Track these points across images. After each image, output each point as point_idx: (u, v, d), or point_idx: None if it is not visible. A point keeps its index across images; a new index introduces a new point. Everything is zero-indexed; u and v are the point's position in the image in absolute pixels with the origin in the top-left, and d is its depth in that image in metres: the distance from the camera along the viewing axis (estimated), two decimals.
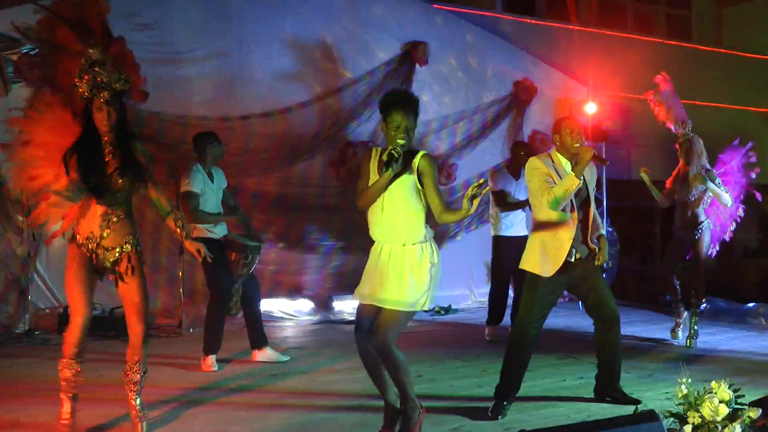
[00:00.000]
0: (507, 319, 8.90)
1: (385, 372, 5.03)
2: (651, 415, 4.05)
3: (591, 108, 12.36)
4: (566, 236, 5.75)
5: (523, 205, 8.62)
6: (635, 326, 9.43)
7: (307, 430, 5.42)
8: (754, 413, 4.32)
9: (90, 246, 5.12)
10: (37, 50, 7.09)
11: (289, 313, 10.61)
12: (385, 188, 4.86)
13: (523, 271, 5.95)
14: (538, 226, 5.87)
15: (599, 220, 6.13)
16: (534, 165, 5.84)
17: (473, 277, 11.70)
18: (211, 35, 10.12)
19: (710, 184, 8.22)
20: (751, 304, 10.77)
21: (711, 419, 4.25)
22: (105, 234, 5.11)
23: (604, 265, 6.11)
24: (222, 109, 10.09)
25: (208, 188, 7.32)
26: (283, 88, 10.60)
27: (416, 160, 4.91)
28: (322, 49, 10.96)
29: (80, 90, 5.02)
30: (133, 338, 5.25)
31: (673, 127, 8.76)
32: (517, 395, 5.93)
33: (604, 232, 6.11)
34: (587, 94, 12.89)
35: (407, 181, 4.88)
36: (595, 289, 6.00)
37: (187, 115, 9.73)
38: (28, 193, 5.32)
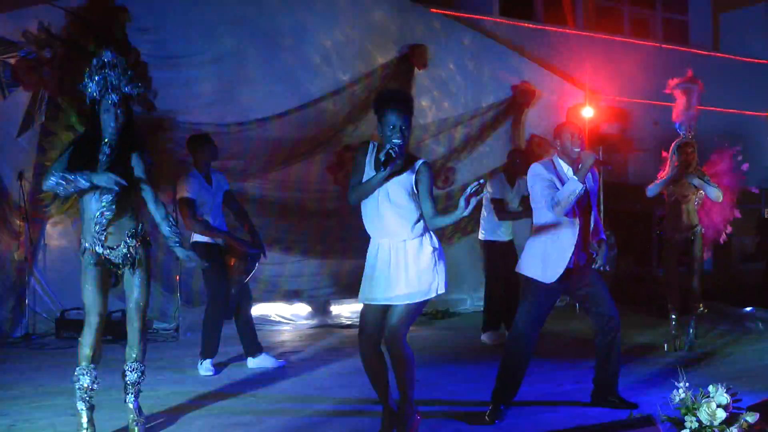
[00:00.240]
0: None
1: (385, 377, 5.03)
2: (648, 420, 4.05)
3: (588, 112, 12.38)
4: (568, 242, 5.75)
5: (521, 216, 8.65)
6: (632, 330, 9.41)
7: None
8: (752, 417, 4.32)
9: (97, 249, 5.11)
10: (37, 52, 7.14)
11: (286, 317, 10.62)
12: (381, 186, 4.86)
13: (517, 276, 5.96)
14: (540, 231, 5.87)
15: (600, 225, 6.13)
16: (536, 171, 5.84)
17: (470, 282, 11.68)
18: (210, 39, 10.11)
19: (697, 180, 8.22)
20: (748, 308, 10.77)
21: (708, 423, 4.25)
22: (103, 236, 5.09)
23: (604, 268, 6.11)
24: (220, 113, 10.09)
25: (205, 192, 7.30)
26: (281, 92, 10.60)
27: (415, 167, 4.91)
28: (321, 54, 10.96)
29: (89, 89, 5.04)
30: (130, 335, 5.27)
31: (679, 124, 8.70)
32: (515, 400, 5.92)
33: (603, 236, 6.11)
34: (584, 98, 12.91)
35: (407, 180, 4.89)
36: (594, 294, 6.00)
37: (184, 121, 9.73)
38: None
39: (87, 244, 5.12)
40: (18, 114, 8.88)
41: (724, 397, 4.33)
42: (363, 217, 5.01)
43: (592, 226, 5.96)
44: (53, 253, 9.27)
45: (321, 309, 10.81)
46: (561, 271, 5.74)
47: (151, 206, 5.24)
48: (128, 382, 5.28)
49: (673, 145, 8.50)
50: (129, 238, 5.16)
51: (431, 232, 4.99)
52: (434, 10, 12.14)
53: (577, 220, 5.78)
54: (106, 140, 5.10)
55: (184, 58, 9.85)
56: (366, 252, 5.06)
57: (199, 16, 10.08)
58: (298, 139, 10.69)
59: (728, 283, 12.62)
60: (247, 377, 7.18)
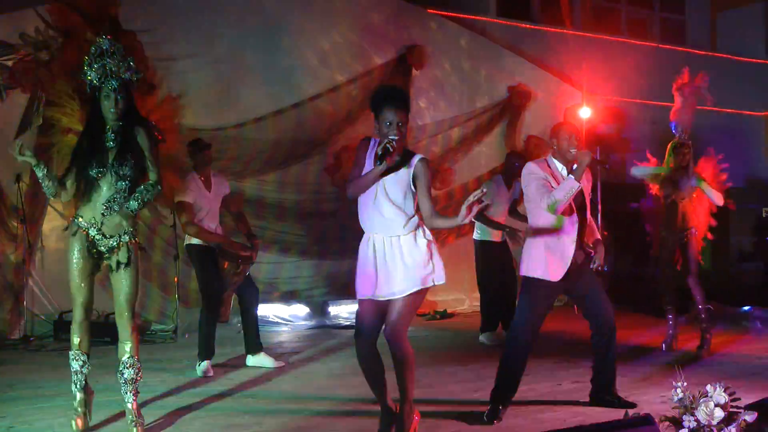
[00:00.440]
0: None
1: (382, 377, 5.03)
2: (646, 419, 4.05)
3: (585, 112, 12.39)
4: (569, 239, 5.77)
5: (499, 227, 8.67)
6: (630, 330, 9.42)
7: None
8: (750, 417, 4.32)
9: (90, 231, 5.17)
10: (34, 54, 7.14)
11: (284, 318, 10.61)
12: (378, 180, 4.86)
13: (512, 276, 5.97)
14: (539, 231, 5.86)
15: (594, 225, 6.13)
16: (531, 170, 5.85)
17: (468, 282, 11.66)
18: (208, 41, 10.12)
19: (704, 185, 8.22)
20: (746, 308, 10.78)
21: (706, 423, 4.25)
22: (105, 221, 5.15)
23: (602, 268, 6.11)
24: (217, 115, 10.10)
25: (203, 197, 7.31)
26: (279, 94, 10.61)
27: (413, 162, 4.91)
28: (318, 56, 10.96)
29: (89, 78, 5.08)
30: (120, 329, 5.30)
31: (674, 124, 8.70)
32: (513, 399, 5.92)
33: (599, 236, 6.12)
34: (582, 99, 12.92)
35: (403, 176, 4.88)
36: (591, 293, 6.01)
37: (182, 123, 9.72)
38: None
39: (83, 223, 5.18)
40: (15, 116, 8.88)
41: (722, 397, 4.33)
42: (359, 212, 5.01)
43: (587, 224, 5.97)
44: (51, 255, 9.26)
45: (319, 310, 10.80)
46: (566, 268, 5.75)
47: (150, 175, 5.25)
48: (125, 380, 5.28)
49: (669, 146, 8.50)
50: (124, 233, 5.20)
51: (424, 226, 4.99)
52: (431, 11, 12.15)
53: (575, 218, 5.79)
54: (108, 127, 5.16)
55: (181, 60, 9.84)
56: None
57: (197, 18, 10.10)
58: (295, 140, 10.70)
59: (726, 283, 12.63)
60: (246, 378, 7.17)
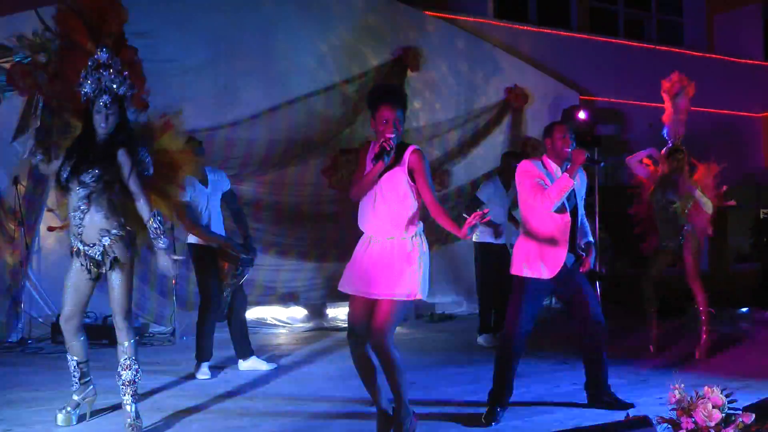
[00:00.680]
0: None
1: (378, 379, 5.02)
2: (644, 421, 4.05)
3: (583, 114, 12.38)
4: (562, 238, 5.77)
5: (496, 230, 8.68)
6: (628, 331, 9.42)
7: None
8: (748, 418, 4.32)
9: (77, 246, 5.29)
10: (32, 57, 7.14)
11: (282, 320, 10.62)
12: (377, 181, 4.86)
13: (508, 277, 5.97)
14: (532, 230, 5.87)
15: (587, 227, 6.13)
16: (525, 168, 5.86)
17: (466, 284, 11.67)
18: (205, 44, 10.11)
19: (698, 193, 8.23)
20: (743, 309, 10.79)
21: (704, 424, 4.25)
22: (80, 231, 5.24)
23: (600, 270, 6.11)
24: (214, 117, 10.09)
25: (199, 194, 7.30)
26: (276, 95, 10.60)
27: (406, 155, 4.91)
28: (315, 57, 10.96)
29: (84, 89, 5.14)
30: (117, 331, 5.34)
31: (666, 130, 8.71)
32: (511, 401, 5.92)
33: (591, 239, 6.10)
34: (579, 100, 12.93)
35: (397, 174, 4.88)
36: (579, 294, 6.01)
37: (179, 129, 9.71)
38: None
39: (71, 239, 5.30)
40: (13, 119, 8.87)
41: (720, 398, 4.33)
42: (358, 212, 5.01)
43: (578, 226, 5.97)
44: (49, 258, 9.26)
45: (317, 312, 10.80)
46: (560, 266, 5.76)
47: (138, 204, 5.28)
48: (123, 382, 5.29)
49: (664, 150, 8.50)
50: (103, 237, 5.24)
51: (422, 236, 4.98)
52: (428, 13, 12.14)
53: (567, 218, 5.79)
54: (96, 139, 5.24)
55: (179, 62, 9.84)
56: None
57: (195, 20, 10.08)
58: (291, 141, 10.69)
59: (724, 284, 12.63)
60: (244, 380, 7.17)
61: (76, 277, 5.36)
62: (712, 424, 4.24)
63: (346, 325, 10.09)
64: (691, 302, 8.53)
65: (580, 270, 5.97)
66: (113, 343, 8.32)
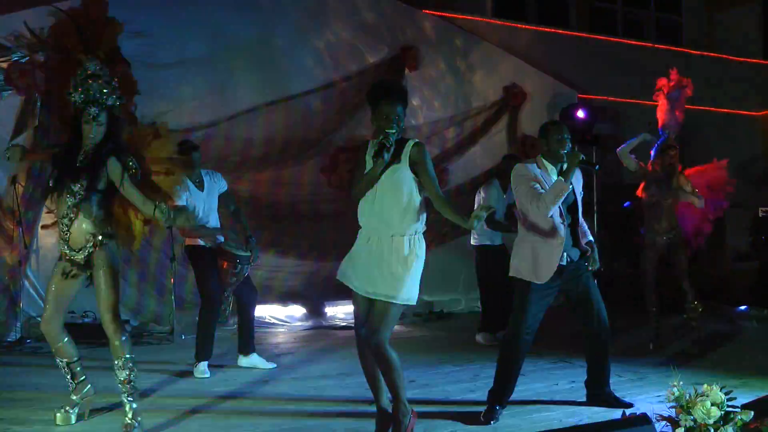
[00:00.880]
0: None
1: (377, 378, 5.03)
2: (643, 419, 4.06)
3: (581, 112, 12.38)
4: (557, 242, 5.76)
5: (510, 229, 8.68)
6: (626, 330, 9.42)
7: None
8: (746, 416, 4.32)
9: (63, 250, 5.34)
10: (30, 56, 7.16)
11: (280, 318, 10.61)
12: (377, 178, 4.85)
13: (510, 279, 5.96)
14: (528, 233, 5.86)
15: (585, 226, 6.11)
16: (520, 171, 5.84)
17: (464, 283, 11.67)
18: (202, 42, 10.10)
19: (690, 188, 8.26)
20: (742, 307, 10.79)
21: (703, 422, 4.25)
22: (67, 236, 5.29)
23: (598, 269, 6.10)
24: (211, 114, 10.09)
25: (195, 197, 7.29)
26: (273, 93, 10.59)
27: (407, 150, 4.90)
28: (313, 56, 10.95)
29: (73, 98, 5.18)
30: (108, 335, 5.36)
31: (662, 128, 8.72)
32: (510, 399, 5.93)
33: (591, 238, 6.09)
34: (577, 99, 12.92)
35: (397, 171, 4.87)
36: (585, 293, 6.00)
37: (176, 127, 9.70)
38: None
39: (59, 243, 5.36)
40: (11, 117, 8.87)
41: (718, 396, 4.34)
42: (358, 211, 5.00)
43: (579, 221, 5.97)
44: (47, 257, 9.23)
45: (315, 311, 10.79)
46: (552, 271, 5.75)
47: (139, 206, 5.26)
48: (121, 381, 5.30)
49: (655, 147, 8.52)
50: (89, 243, 5.28)
51: (421, 238, 4.98)
52: (426, 11, 12.13)
53: (564, 220, 5.78)
54: (84, 148, 5.28)
55: (176, 59, 9.83)
56: None
57: (192, 18, 10.06)
58: (288, 138, 10.68)
59: (722, 283, 12.63)
60: (243, 379, 7.17)
61: (59, 279, 5.40)
62: (711, 421, 4.25)
63: (344, 324, 10.19)
64: (684, 299, 8.52)
65: (589, 268, 5.96)
66: None
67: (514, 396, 5.97)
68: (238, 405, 6.24)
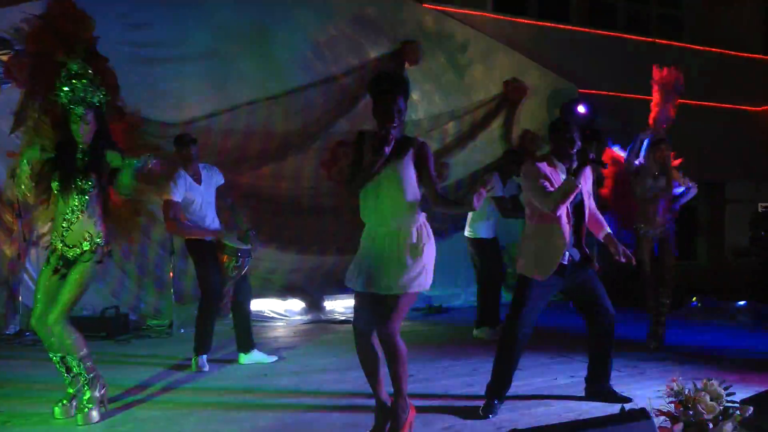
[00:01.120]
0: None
1: (381, 371, 5.02)
2: (642, 414, 4.05)
3: (582, 107, 12.37)
4: (561, 242, 5.76)
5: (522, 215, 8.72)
6: (625, 325, 9.41)
7: (298, 430, 5.41)
8: (745, 411, 4.32)
9: (57, 245, 5.40)
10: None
11: (280, 312, 10.62)
12: (377, 172, 4.84)
13: (503, 270, 5.97)
14: (533, 230, 5.86)
15: (602, 220, 6.11)
16: (531, 169, 5.83)
17: (464, 277, 11.67)
18: (203, 35, 10.08)
19: (689, 182, 8.31)
20: (741, 302, 10.79)
21: (702, 417, 4.25)
22: (65, 233, 5.35)
23: (629, 259, 6.08)
24: (211, 107, 10.09)
25: (193, 192, 7.29)
26: (273, 87, 10.58)
27: (411, 148, 4.89)
28: (313, 49, 10.94)
29: (60, 99, 5.23)
30: (53, 332, 5.42)
31: (654, 121, 8.72)
32: (509, 394, 5.93)
33: (609, 230, 6.09)
34: (578, 93, 12.90)
35: (401, 167, 4.85)
36: (590, 290, 6.01)
37: (176, 120, 9.70)
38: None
39: (53, 238, 5.42)
40: (10, 111, 8.84)
41: (718, 391, 4.33)
42: (360, 206, 4.99)
43: (586, 220, 5.96)
44: (46, 250, 9.23)
45: (315, 305, 10.80)
46: (554, 268, 5.75)
47: (129, 181, 5.42)
48: (76, 373, 5.46)
49: (646, 141, 8.52)
50: (85, 241, 5.35)
51: (427, 225, 4.98)
52: (427, 6, 12.11)
53: (571, 218, 5.78)
54: (79, 147, 5.37)
55: (176, 52, 9.82)
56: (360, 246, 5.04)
57: (192, 11, 10.05)
58: (289, 132, 10.67)
59: (722, 278, 12.65)
60: (241, 373, 7.18)
61: (47, 276, 5.44)
62: (710, 417, 4.25)
63: (343, 318, 10.19)
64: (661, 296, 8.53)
65: (593, 266, 5.97)
66: (111, 335, 8.40)
67: (513, 390, 5.98)
68: (237, 398, 6.24)
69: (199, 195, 7.32)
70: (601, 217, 6.16)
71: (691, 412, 4.28)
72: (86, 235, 5.31)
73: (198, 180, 7.37)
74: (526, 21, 13.86)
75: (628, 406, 5.48)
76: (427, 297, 11.33)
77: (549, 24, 14.02)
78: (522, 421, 5.53)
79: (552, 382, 6.76)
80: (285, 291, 10.75)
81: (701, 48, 15.63)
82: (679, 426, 4.31)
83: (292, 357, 8.00)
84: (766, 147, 16.18)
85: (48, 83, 5.37)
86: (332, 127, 10.91)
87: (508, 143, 12.18)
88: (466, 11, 12.82)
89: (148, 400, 6.02)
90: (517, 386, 6.08)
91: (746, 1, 16.66)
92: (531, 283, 5.82)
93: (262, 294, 10.31)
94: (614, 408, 5.50)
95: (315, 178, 10.90)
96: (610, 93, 13.89)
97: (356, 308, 5.03)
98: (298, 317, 10.59)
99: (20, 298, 9.00)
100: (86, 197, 5.30)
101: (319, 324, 10.25)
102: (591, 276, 6.00)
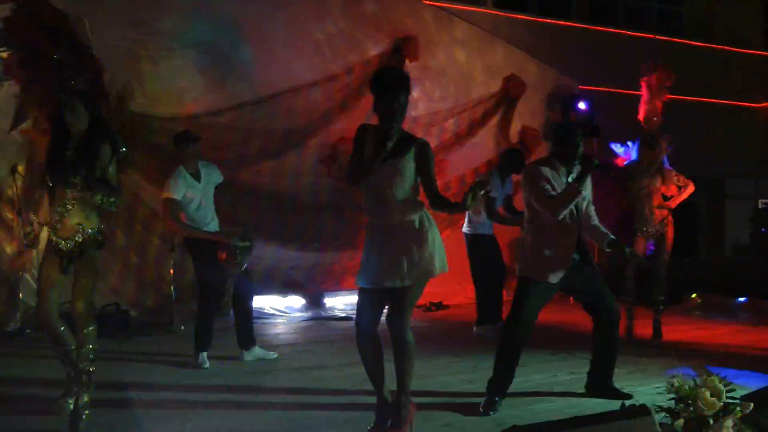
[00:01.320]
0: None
1: (381, 367, 5.03)
2: (643, 410, 4.05)
3: (582, 104, 12.36)
4: (568, 242, 5.77)
5: (511, 222, 8.71)
6: (624, 321, 9.42)
7: (299, 426, 5.41)
8: (746, 407, 4.32)
9: (51, 236, 5.37)
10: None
11: (280, 309, 10.61)
12: (380, 167, 4.84)
13: (501, 266, 5.97)
14: (538, 232, 5.85)
15: (602, 227, 6.02)
16: (533, 171, 5.81)
17: (464, 273, 11.64)
18: (203, 31, 10.07)
19: (683, 180, 8.35)
20: (742, 299, 10.79)
21: (703, 413, 4.25)
22: (58, 225, 5.33)
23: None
24: (211, 104, 10.08)
25: (193, 190, 7.26)
26: (274, 84, 10.57)
27: (414, 148, 4.89)
28: (313, 46, 10.93)
29: (49, 92, 5.22)
30: (77, 323, 5.36)
31: (645, 118, 8.72)
32: (509, 391, 5.93)
33: (612, 237, 6.01)
34: (578, 90, 12.89)
35: (404, 163, 4.85)
36: (592, 289, 6.00)
37: (177, 115, 9.69)
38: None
39: (50, 232, 5.39)
40: (11, 107, 8.84)
41: (718, 387, 4.33)
42: (363, 200, 4.99)
43: (586, 230, 5.95)
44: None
45: (315, 301, 10.80)
46: (564, 271, 5.75)
47: (105, 189, 5.34)
48: (79, 369, 5.36)
49: (638, 138, 8.53)
50: (77, 233, 5.32)
51: (426, 212, 4.98)
52: (426, 2, 12.11)
53: (574, 220, 5.78)
54: (72, 137, 5.32)
55: (178, 50, 9.81)
56: (360, 243, 5.04)
57: (193, 8, 10.04)
58: (290, 129, 10.66)
59: (722, 274, 12.64)
60: (242, 370, 7.18)
61: (49, 271, 5.41)
62: (711, 413, 4.24)
63: (343, 315, 10.19)
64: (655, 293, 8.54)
65: (593, 264, 5.97)
66: (111, 332, 8.38)
67: (513, 387, 5.98)
68: (237, 395, 6.24)
69: (198, 193, 7.31)
70: (600, 225, 6.04)
71: (691, 408, 4.28)
72: (78, 227, 5.30)
73: (198, 178, 7.35)
74: (526, 17, 13.86)
75: (628, 402, 5.50)
76: (426, 293, 11.30)
77: (549, 20, 14.02)
78: (523, 418, 5.53)
79: (552, 379, 6.77)
80: (285, 288, 10.74)
81: (702, 44, 15.63)
82: (680, 422, 4.31)
83: (292, 354, 8.00)
84: (766, 144, 16.19)
85: (45, 79, 5.38)
86: (333, 125, 10.90)
87: (507, 139, 12.18)
88: (466, 7, 12.82)
89: (149, 398, 6.01)
90: (518, 383, 6.08)
91: None
92: (531, 285, 5.82)
93: (262, 291, 10.31)
94: (615, 404, 5.51)
95: (315, 176, 10.89)
96: (611, 89, 13.89)
97: (359, 305, 5.03)
98: (299, 314, 10.59)
99: (20, 295, 8.99)
100: (76, 190, 5.26)
101: (320, 321, 10.24)
102: (593, 276, 5.99)
